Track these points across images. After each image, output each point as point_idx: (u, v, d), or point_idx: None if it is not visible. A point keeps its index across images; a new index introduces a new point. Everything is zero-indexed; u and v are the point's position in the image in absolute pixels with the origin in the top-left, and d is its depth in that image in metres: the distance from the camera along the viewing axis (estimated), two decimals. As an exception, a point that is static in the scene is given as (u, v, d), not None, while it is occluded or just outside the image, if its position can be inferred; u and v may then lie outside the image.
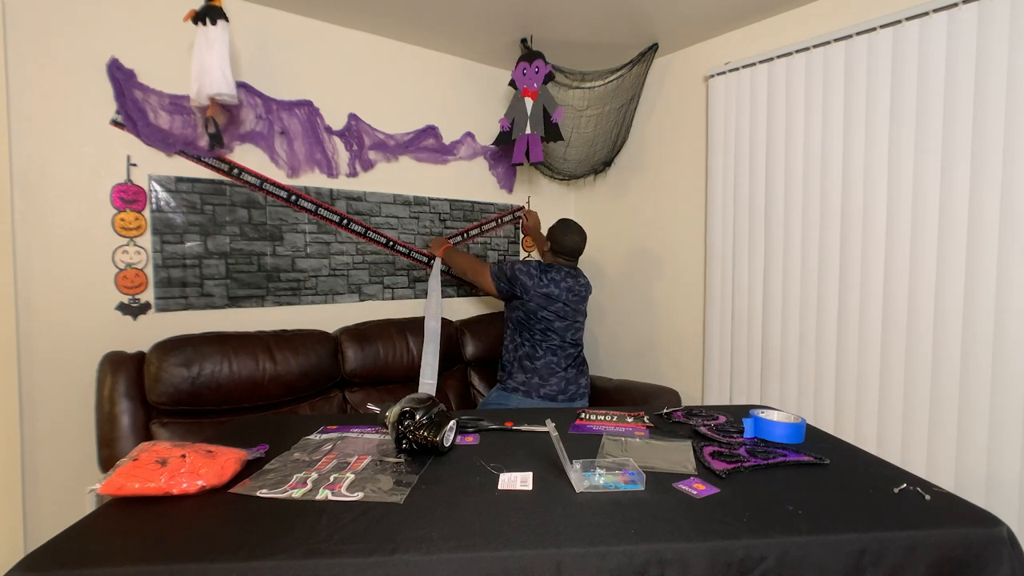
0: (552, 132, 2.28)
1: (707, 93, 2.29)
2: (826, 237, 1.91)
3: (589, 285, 2.21)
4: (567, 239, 2.12)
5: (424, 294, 2.49)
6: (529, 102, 2.27)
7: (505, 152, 2.66)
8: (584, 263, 3.00)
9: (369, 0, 1.99)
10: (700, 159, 2.37)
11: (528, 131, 2.27)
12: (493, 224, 2.72)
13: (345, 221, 2.25)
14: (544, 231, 2.28)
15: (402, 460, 1.06)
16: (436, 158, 2.50)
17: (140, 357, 1.71)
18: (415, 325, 2.22)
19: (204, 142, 1.89)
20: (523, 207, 2.83)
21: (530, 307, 2.03)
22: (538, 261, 2.11)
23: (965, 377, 1.60)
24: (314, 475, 0.99)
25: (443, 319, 2.32)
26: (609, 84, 2.46)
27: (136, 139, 1.80)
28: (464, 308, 2.66)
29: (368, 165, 2.30)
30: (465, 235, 2.62)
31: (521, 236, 2.85)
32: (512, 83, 2.30)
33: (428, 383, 2.14)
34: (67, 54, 1.69)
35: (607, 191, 2.85)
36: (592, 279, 2.97)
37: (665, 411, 1.39)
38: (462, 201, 2.60)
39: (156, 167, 1.85)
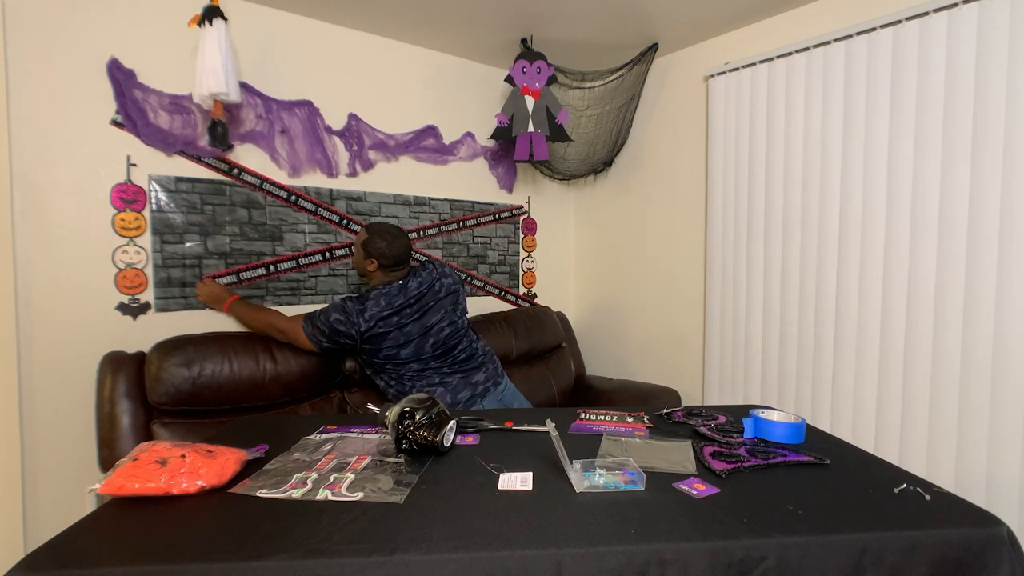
0: (557, 133, 2.28)
1: (707, 93, 2.29)
2: (825, 236, 1.91)
3: (442, 274, 1.92)
4: (396, 246, 1.82)
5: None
6: (530, 100, 2.26)
7: (506, 152, 2.66)
8: (584, 263, 3.00)
9: (369, 0, 2.00)
10: (700, 159, 2.37)
11: (531, 129, 2.27)
12: (491, 219, 2.72)
13: (345, 221, 2.25)
14: (360, 249, 1.87)
15: (402, 460, 1.06)
16: (436, 158, 2.50)
17: (140, 357, 1.71)
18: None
19: (204, 142, 1.89)
20: (522, 207, 2.83)
21: (364, 355, 1.81)
22: (354, 297, 1.78)
23: (965, 377, 1.60)
24: (314, 475, 0.99)
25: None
26: (609, 84, 2.46)
27: (136, 139, 1.80)
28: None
29: (368, 165, 2.30)
30: (461, 224, 2.60)
31: (521, 236, 2.85)
32: (509, 79, 2.28)
33: None
34: (67, 54, 1.69)
35: (607, 191, 2.85)
36: (592, 278, 2.96)
37: (665, 411, 1.39)
38: (462, 201, 2.60)
39: (156, 167, 1.85)
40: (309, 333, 1.75)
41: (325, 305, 1.79)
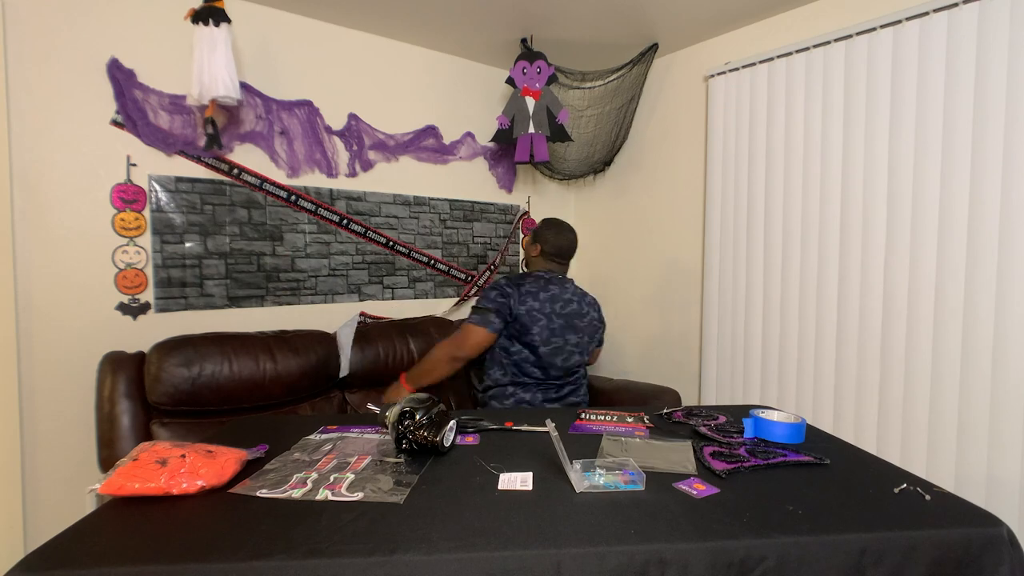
0: (558, 133, 2.28)
1: (707, 93, 2.29)
2: (825, 237, 1.91)
3: (592, 304, 1.94)
4: (562, 238, 1.88)
5: (424, 295, 2.50)
6: (531, 101, 2.27)
7: (506, 152, 2.66)
8: (583, 263, 3.00)
9: (369, 0, 2.00)
10: (700, 159, 2.37)
11: (532, 130, 2.27)
12: (491, 219, 2.71)
13: (345, 221, 2.25)
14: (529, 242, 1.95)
15: (402, 460, 1.06)
16: (436, 158, 2.50)
17: (140, 357, 1.71)
18: (415, 326, 2.22)
19: (204, 142, 1.89)
20: (522, 207, 2.83)
21: (505, 337, 1.81)
22: (506, 277, 1.84)
23: (965, 377, 1.60)
24: (314, 475, 0.99)
25: (441, 318, 2.33)
26: (609, 84, 2.46)
27: (136, 139, 1.80)
28: (463, 309, 2.66)
29: (368, 165, 2.30)
30: (460, 225, 2.61)
31: (521, 236, 2.85)
32: (510, 81, 2.29)
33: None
34: (67, 54, 1.69)
35: (607, 191, 2.85)
36: (591, 279, 2.96)
37: (665, 411, 1.39)
38: (462, 201, 2.60)
39: (156, 167, 1.85)
40: (479, 321, 1.76)
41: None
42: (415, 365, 1.90)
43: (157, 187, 1.85)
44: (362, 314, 2.30)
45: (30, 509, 1.68)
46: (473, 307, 1.82)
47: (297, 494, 0.91)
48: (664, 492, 0.90)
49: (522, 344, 1.79)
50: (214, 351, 1.72)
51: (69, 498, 1.72)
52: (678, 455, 1.08)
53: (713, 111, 2.24)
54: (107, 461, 1.58)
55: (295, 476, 0.98)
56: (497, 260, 2.74)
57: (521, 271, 1.91)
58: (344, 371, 1.98)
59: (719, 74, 2.21)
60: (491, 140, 2.36)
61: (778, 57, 2.00)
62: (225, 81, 1.63)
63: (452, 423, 1.13)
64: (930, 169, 1.65)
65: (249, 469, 1.02)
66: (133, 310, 1.83)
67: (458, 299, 2.62)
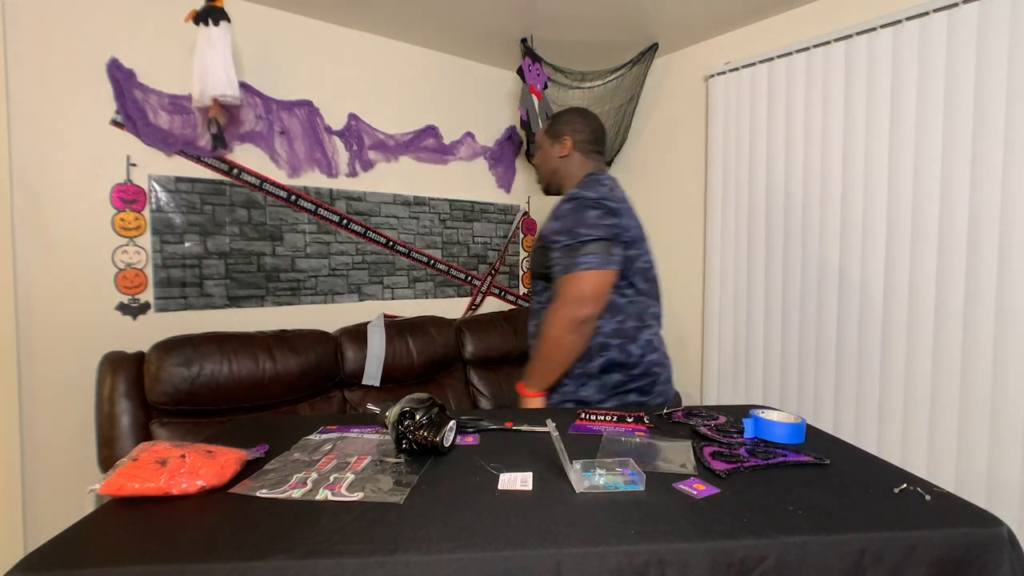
0: None
1: (707, 93, 2.29)
2: (826, 237, 1.91)
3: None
4: (592, 119, 1.40)
5: (424, 295, 2.50)
6: (535, 100, 2.29)
7: (505, 151, 2.67)
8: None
9: (369, 0, 1.99)
10: (700, 159, 2.37)
11: (535, 128, 2.29)
12: (491, 219, 2.72)
13: (345, 221, 2.25)
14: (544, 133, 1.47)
15: (402, 460, 1.06)
16: (436, 158, 2.50)
17: (140, 357, 1.71)
18: (415, 325, 2.22)
19: (204, 142, 1.89)
20: (521, 206, 2.83)
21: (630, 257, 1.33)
22: (583, 188, 1.32)
23: (965, 376, 1.60)
24: (314, 475, 0.99)
25: (441, 318, 2.33)
26: (609, 84, 2.46)
27: (136, 139, 1.80)
28: (462, 307, 2.66)
29: (368, 165, 2.30)
30: (460, 224, 2.61)
31: (521, 236, 2.85)
32: (520, 71, 2.31)
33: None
34: (67, 54, 1.69)
35: (607, 191, 2.84)
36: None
37: (665, 411, 1.39)
38: (462, 201, 2.60)
39: (156, 167, 1.85)
40: (596, 264, 1.25)
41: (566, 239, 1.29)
42: (537, 357, 1.39)
43: (157, 187, 1.85)
44: (385, 315, 2.27)
45: (30, 509, 1.68)
46: (575, 244, 1.26)
47: (297, 494, 0.91)
48: (664, 492, 0.90)
49: (638, 270, 1.39)
50: (214, 351, 1.72)
51: (69, 498, 1.72)
52: (678, 455, 1.08)
53: (713, 111, 2.24)
54: (107, 461, 1.58)
55: (295, 476, 0.98)
56: (498, 263, 2.74)
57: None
58: (374, 380, 1.95)
59: (719, 74, 2.21)
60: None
61: (778, 57, 2.00)
62: (222, 80, 1.63)
63: (452, 423, 1.13)
64: (931, 168, 1.65)
65: (249, 469, 1.02)
66: (133, 310, 1.83)
67: (471, 300, 2.63)
